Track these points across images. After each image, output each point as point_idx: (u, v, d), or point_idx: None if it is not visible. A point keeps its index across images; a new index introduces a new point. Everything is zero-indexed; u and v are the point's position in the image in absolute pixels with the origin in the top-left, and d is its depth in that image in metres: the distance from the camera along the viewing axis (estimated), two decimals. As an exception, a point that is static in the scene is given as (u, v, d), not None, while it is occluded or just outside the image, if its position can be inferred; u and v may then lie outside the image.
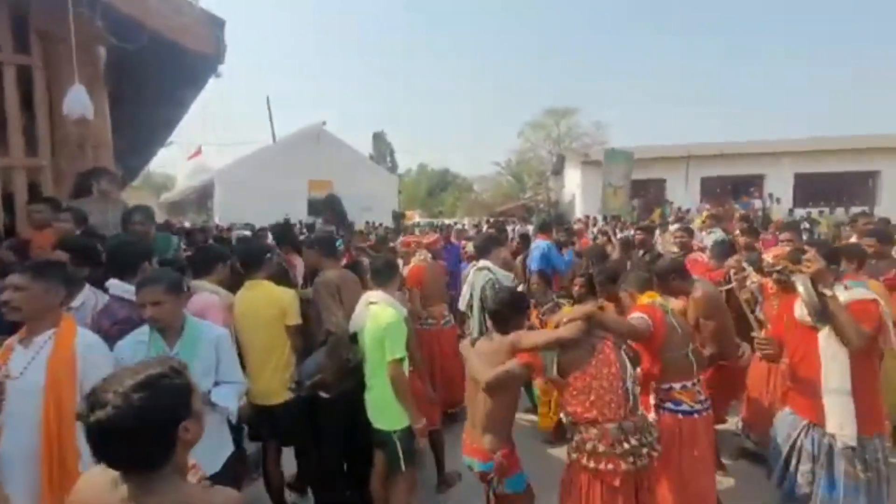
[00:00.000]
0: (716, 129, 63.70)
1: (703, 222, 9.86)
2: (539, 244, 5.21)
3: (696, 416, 2.33)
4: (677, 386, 2.33)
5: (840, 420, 2.10)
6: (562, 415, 2.35)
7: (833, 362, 2.13)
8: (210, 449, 2.10)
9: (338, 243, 3.39)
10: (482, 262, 3.89)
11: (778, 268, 3.08)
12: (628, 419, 2.02)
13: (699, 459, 2.31)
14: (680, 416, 2.32)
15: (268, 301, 2.77)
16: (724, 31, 69.65)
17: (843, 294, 2.14)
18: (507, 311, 2.26)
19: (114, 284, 2.19)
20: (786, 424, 2.35)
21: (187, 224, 15.31)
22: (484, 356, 2.18)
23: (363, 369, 2.58)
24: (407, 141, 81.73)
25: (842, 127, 55.23)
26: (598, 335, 2.12)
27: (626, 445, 1.97)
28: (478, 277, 3.87)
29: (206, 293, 2.73)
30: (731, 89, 69.11)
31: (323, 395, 2.60)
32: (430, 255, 4.12)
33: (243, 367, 2.80)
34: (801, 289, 2.14)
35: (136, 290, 2.04)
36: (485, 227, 11.47)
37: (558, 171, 23.72)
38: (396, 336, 2.38)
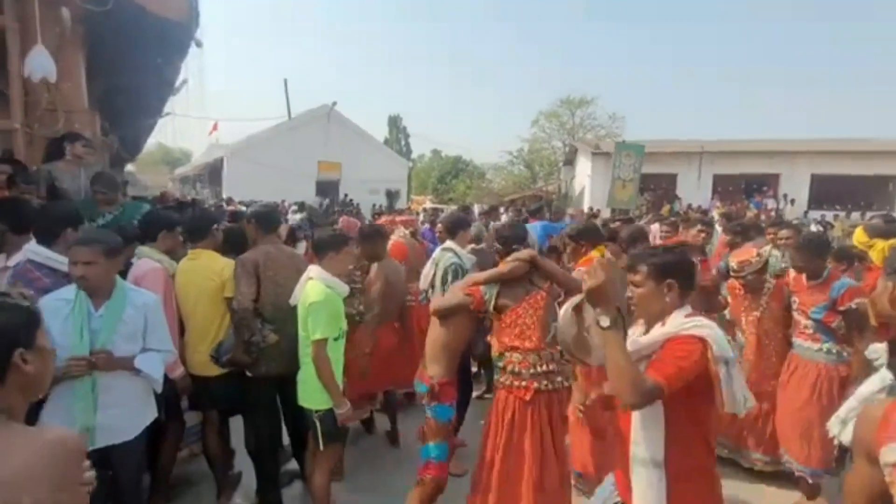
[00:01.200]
0: (731, 126, 62.12)
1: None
2: (533, 225, 5.58)
3: None
4: None
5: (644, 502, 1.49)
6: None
7: (640, 419, 1.50)
8: (131, 413, 2.11)
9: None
10: (448, 244, 3.87)
11: (743, 273, 3.00)
12: (546, 350, 2.26)
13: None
14: None
15: (209, 272, 2.74)
16: (747, 22, 67.28)
17: (657, 329, 1.53)
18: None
19: (32, 249, 2.18)
20: (600, 499, 1.74)
21: (185, 196, 15.46)
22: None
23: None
24: (423, 126, 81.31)
25: (861, 129, 53.32)
26: (536, 285, 2.34)
27: (539, 369, 2.24)
28: (442, 258, 3.85)
29: (148, 260, 2.73)
30: (750, 85, 67.05)
31: (248, 373, 2.59)
32: (408, 233, 4.07)
33: (183, 336, 2.83)
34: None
35: (70, 249, 2.03)
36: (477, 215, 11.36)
37: (570, 162, 23.34)
38: (319, 315, 2.32)
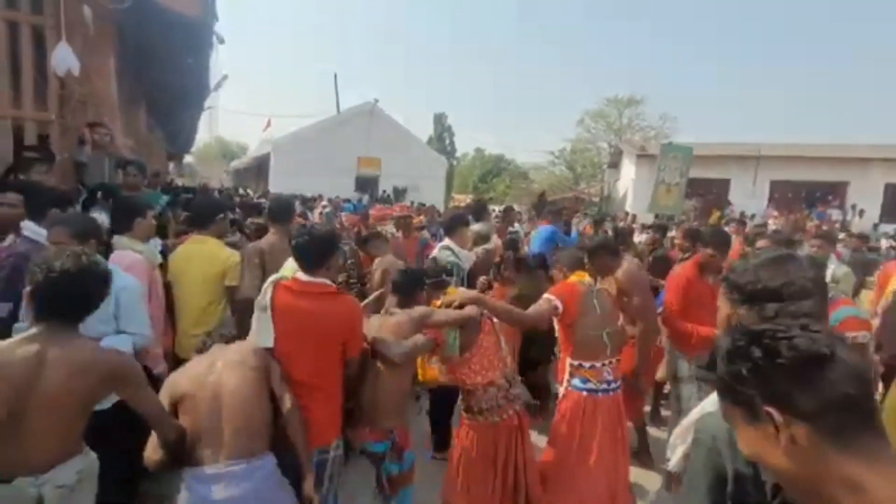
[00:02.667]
0: (791, 129, 57.38)
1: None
2: (541, 229, 5.23)
3: (599, 395, 2.42)
4: (587, 364, 2.43)
5: None
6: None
7: None
8: None
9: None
10: (446, 241, 3.82)
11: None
12: (503, 378, 2.32)
13: (605, 438, 2.39)
14: (584, 393, 2.41)
15: (210, 258, 2.78)
16: (815, 19, 61.87)
17: None
18: (410, 286, 2.42)
19: (26, 226, 2.31)
20: None
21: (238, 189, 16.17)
22: (388, 332, 2.19)
23: None
24: (468, 125, 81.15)
25: None
26: (481, 313, 2.33)
27: (506, 398, 2.31)
28: (441, 255, 3.80)
29: (129, 251, 2.75)
30: (817, 87, 61.67)
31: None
32: (395, 230, 4.04)
33: (175, 320, 2.91)
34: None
35: (49, 229, 2.14)
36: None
37: (615, 164, 22.45)
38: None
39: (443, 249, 3.78)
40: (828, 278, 3.01)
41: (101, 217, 3.16)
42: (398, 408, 2.21)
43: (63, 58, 3.49)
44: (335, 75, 22.74)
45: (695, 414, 1.23)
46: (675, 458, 1.25)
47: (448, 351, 2.29)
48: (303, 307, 1.95)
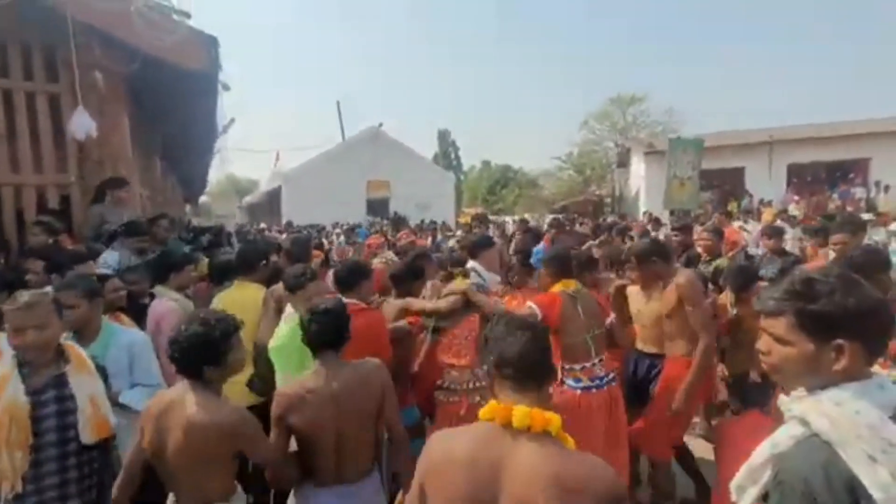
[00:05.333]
0: (804, 111, 56.04)
1: (772, 219, 8.67)
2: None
3: (594, 391, 2.51)
4: (577, 367, 2.54)
5: None
6: None
7: None
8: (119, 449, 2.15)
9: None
10: (470, 264, 3.74)
11: None
12: (480, 368, 2.41)
13: (604, 431, 2.47)
14: (579, 391, 2.50)
15: (255, 304, 2.78)
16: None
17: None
18: (404, 277, 2.98)
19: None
20: None
21: (246, 226, 16.47)
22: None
23: None
24: (472, 139, 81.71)
25: None
26: (472, 311, 2.60)
27: (473, 385, 2.50)
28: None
29: (165, 299, 2.87)
30: (821, 65, 60.39)
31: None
32: (394, 256, 4.00)
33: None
34: None
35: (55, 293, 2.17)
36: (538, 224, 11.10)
37: (623, 164, 22.24)
38: (280, 360, 2.30)
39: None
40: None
41: (113, 257, 3.25)
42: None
43: (81, 123, 3.60)
44: (338, 103, 23.25)
45: (764, 451, 1.12)
46: (746, 501, 1.15)
47: (425, 332, 2.71)
48: None
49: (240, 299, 2.80)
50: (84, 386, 1.86)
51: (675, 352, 2.69)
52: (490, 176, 38.37)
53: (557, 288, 2.61)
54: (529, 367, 1.17)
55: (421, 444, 2.39)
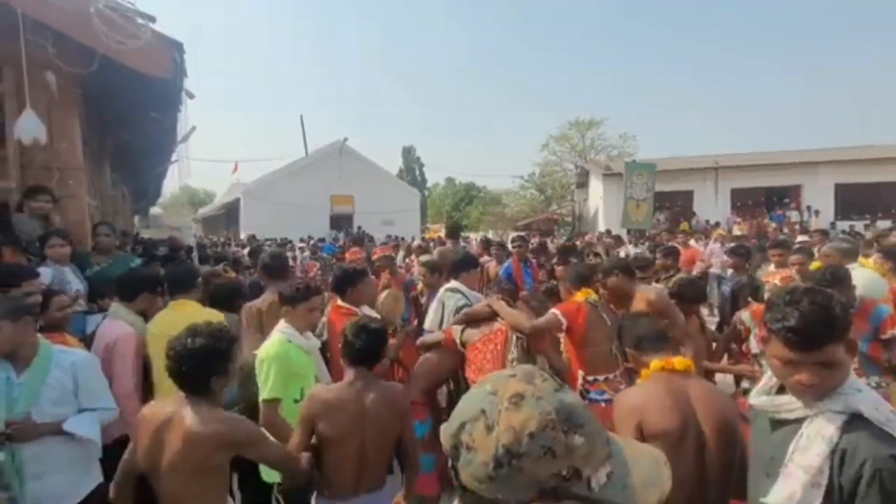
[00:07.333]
0: (746, 140, 60.94)
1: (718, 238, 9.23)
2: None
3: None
4: (601, 378, 2.51)
5: None
6: None
7: None
8: (70, 480, 1.98)
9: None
10: (453, 283, 3.67)
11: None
12: None
13: None
14: (602, 404, 2.43)
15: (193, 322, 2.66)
16: (758, 37, 66.78)
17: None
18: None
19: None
20: None
21: (203, 238, 15.80)
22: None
23: None
24: (436, 156, 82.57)
25: (885, 135, 51.40)
26: (499, 324, 2.57)
27: None
28: (449, 299, 3.64)
29: (121, 322, 2.64)
30: (763, 100, 66.04)
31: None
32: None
33: (152, 391, 2.70)
34: None
35: None
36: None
37: (583, 184, 23.14)
38: (264, 373, 2.17)
39: (450, 292, 3.61)
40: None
41: (46, 272, 2.99)
42: (416, 379, 2.77)
43: (28, 126, 3.35)
44: (301, 117, 22.96)
45: (819, 450, 1.12)
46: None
47: (455, 344, 2.70)
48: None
49: (186, 318, 2.64)
50: None
51: None
52: (454, 193, 38.77)
53: (580, 296, 2.63)
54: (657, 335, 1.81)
55: (429, 460, 2.50)
